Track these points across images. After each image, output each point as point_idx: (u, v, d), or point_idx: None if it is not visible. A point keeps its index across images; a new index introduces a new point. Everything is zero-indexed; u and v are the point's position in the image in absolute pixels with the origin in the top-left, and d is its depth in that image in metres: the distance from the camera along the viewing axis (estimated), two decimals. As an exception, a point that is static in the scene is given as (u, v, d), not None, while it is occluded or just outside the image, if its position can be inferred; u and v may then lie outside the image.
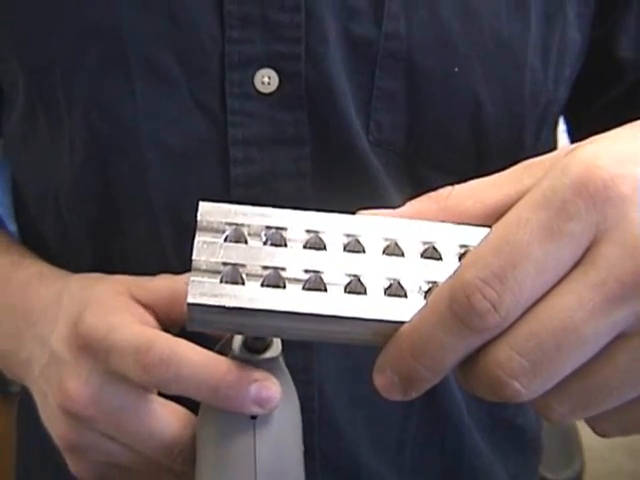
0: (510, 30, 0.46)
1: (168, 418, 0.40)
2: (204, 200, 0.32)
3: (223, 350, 0.38)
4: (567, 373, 0.29)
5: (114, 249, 0.50)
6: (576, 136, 0.56)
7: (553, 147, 0.54)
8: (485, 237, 0.29)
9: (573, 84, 0.51)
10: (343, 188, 0.46)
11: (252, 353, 0.37)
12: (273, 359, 0.37)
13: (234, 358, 0.37)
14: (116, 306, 0.41)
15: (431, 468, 0.55)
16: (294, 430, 0.38)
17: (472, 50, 0.46)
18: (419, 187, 0.45)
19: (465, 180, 0.34)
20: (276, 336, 0.36)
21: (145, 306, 0.42)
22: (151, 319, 0.42)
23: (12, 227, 0.58)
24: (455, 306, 0.28)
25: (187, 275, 0.33)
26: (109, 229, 0.49)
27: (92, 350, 0.40)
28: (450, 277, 0.29)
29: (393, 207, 0.34)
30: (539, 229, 0.28)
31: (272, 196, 0.46)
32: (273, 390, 0.36)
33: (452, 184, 0.34)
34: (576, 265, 0.29)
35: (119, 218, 0.49)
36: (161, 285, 0.43)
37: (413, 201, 0.34)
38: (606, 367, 0.29)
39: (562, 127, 0.54)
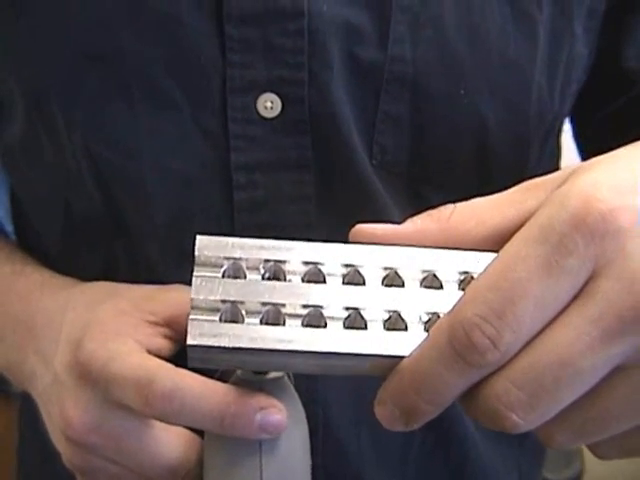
0: (517, 50, 0.46)
1: (171, 442, 0.40)
2: (201, 233, 0.32)
3: (225, 374, 0.38)
4: (565, 405, 0.29)
5: (120, 265, 0.50)
6: (582, 138, 0.56)
7: (557, 154, 0.54)
8: (483, 272, 0.29)
9: (579, 93, 0.51)
10: (346, 210, 0.46)
11: (256, 373, 0.37)
12: (278, 379, 0.37)
13: (238, 380, 0.37)
14: (118, 330, 0.41)
15: (438, 476, 0.55)
16: (301, 449, 0.38)
17: (478, 71, 0.45)
18: (422, 207, 0.45)
19: (467, 198, 0.35)
20: (277, 371, 0.37)
21: (161, 321, 0.42)
22: (158, 339, 0.42)
23: (10, 228, 0.58)
24: (455, 343, 0.28)
25: None
26: (116, 246, 0.49)
27: (92, 379, 0.40)
28: (449, 312, 0.29)
29: None
30: (537, 265, 0.28)
31: (276, 221, 0.46)
32: (279, 416, 0.36)
33: (454, 202, 0.34)
34: (575, 299, 0.29)
35: (125, 238, 0.48)
36: (178, 298, 0.43)
37: (414, 218, 0.34)
38: (605, 399, 0.29)
39: (565, 127, 0.54)
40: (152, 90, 0.44)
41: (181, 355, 0.40)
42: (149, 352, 0.41)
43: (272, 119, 0.44)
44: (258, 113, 0.44)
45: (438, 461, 0.54)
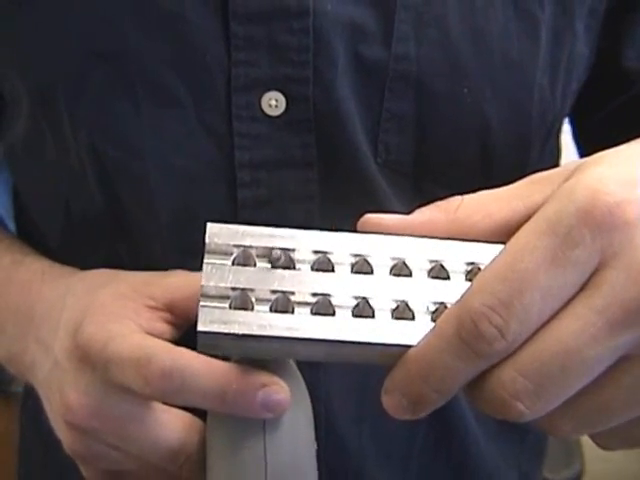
0: (520, 49, 0.46)
1: (172, 425, 0.40)
2: (212, 221, 0.33)
3: None
4: (571, 394, 0.29)
5: (122, 264, 0.49)
6: (581, 139, 0.57)
7: (557, 154, 0.54)
8: (491, 263, 0.30)
9: (579, 92, 0.51)
10: (350, 208, 0.46)
11: None
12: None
13: (240, 358, 0.37)
14: (118, 312, 0.41)
15: (438, 477, 0.55)
16: (306, 430, 0.38)
17: (481, 71, 0.45)
18: (425, 204, 0.46)
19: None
20: (285, 358, 0.37)
21: (161, 306, 0.42)
22: (159, 324, 0.42)
23: (12, 226, 0.58)
24: (463, 332, 0.29)
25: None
26: (118, 246, 0.49)
27: (91, 361, 0.40)
28: (457, 302, 0.30)
29: None
30: (544, 256, 0.28)
31: (280, 219, 0.45)
32: (282, 394, 0.36)
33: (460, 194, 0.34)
34: (581, 289, 0.29)
35: (128, 238, 0.49)
36: (178, 282, 0.43)
37: (422, 209, 0.34)
38: (610, 388, 0.30)
39: (565, 127, 0.54)
40: (157, 88, 0.44)
41: (182, 340, 0.41)
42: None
43: (276, 117, 0.44)
44: (262, 111, 0.44)
45: (440, 458, 0.54)
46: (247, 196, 0.45)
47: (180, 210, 0.46)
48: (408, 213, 0.34)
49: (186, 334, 0.43)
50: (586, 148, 0.56)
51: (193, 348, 0.35)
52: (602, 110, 0.53)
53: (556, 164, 0.55)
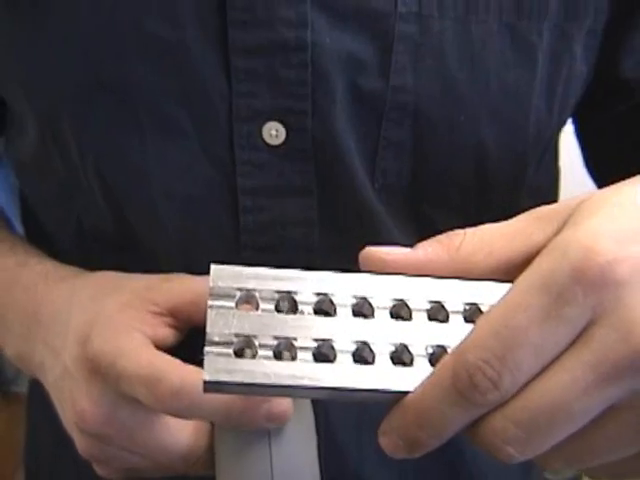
0: (516, 76, 0.46)
1: (182, 430, 0.42)
2: (215, 262, 0.33)
3: None
4: (559, 440, 0.31)
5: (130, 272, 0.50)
6: (586, 141, 0.57)
7: (555, 159, 0.55)
8: (487, 314, 0.31)
9: (579, 100, 0.51)
10: (349, 232, 0.47)
11: None
12: None
13: None
14: (124, 324, 0.42)
15: (435, 476, 0.56)
16: (309, 436, 0.40)
17: (478, 98, 0.46)
18: (421, 224, 0.47)
19: (466, 214, 0.34)
20: (288, 398, 0.39)
21: (164, 311, 0.43)
22: (162, 329, 0.43)
23: (19, 227, 0.58)
24: (458, 383, 0.30)
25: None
26: (127, 259, 0.50)
27: (102, 375, 0.41)
28: (454, 352, 0.31)
29: (396, 245, 0.35)
30: (536, 314, 0.29)
31: (280, 243, 0.47)
32: (284, 405, 0.38)
33: (456, 221, 0.35)
34: (572, 344, 0.30)
35: (136, 253, 0.50)
36: (180, 287, 0.44)
37: (424, 244, 0.34)
38: (596, 435, 0.31)
39: (567, 128, 0.54)
40: (160, 118, 0.45)
41: (186, 343, 0.43)
42: (155, 342, 0.42)
43: (277, 146, 0.45)
44: (263, 140, 0.45)
45: (436, 457, 0.54)
46: (249, 221, 0.47)
47: (184, 233, 0.47)
48: (403, 240, 0.34)
49: (188, 334, 0.45)
50: (590, 150, 0.57)
51: (194, 347, 0.36)
52: (603, 116, 0.54)
53: (554, 169, 0.55)
